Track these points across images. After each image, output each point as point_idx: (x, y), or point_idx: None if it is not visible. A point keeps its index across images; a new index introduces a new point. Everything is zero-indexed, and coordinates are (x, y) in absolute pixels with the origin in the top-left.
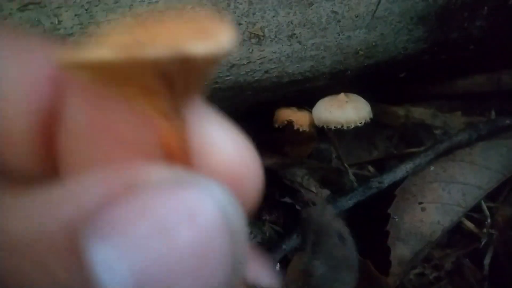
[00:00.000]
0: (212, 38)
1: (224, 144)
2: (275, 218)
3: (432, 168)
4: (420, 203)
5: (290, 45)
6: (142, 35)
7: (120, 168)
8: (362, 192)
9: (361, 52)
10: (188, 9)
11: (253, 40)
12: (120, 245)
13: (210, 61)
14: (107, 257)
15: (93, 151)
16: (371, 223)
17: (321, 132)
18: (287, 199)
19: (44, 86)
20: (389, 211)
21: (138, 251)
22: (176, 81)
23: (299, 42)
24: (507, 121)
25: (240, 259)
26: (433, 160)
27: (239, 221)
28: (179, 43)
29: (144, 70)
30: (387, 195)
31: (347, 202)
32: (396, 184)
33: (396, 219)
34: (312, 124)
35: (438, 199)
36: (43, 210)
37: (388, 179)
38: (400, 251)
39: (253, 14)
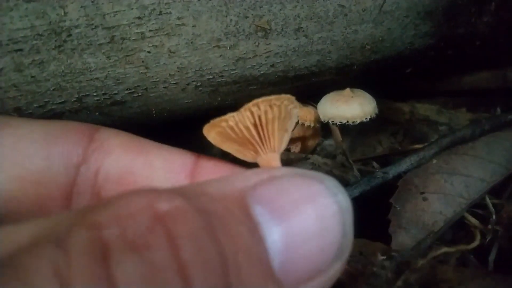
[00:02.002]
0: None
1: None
2: None
3: (434, 161)
4: (422, 193)
5: (296, 38)
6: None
7: (262, 169)
8: (367, 182)
9: (367, 47)
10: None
11: (259, 34)
12: (269, 209)
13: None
14: (264, 214)
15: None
16: (375, 214)
17: (326, 128)
18: None
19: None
20: (391, 200)
21: (279, 216)
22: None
23: (306, 36)
24: (510, 116)
25: (348, 231)
26: (437, 154)
27: (348, 207)
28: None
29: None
30: (392, 188)
31: (353, 191)
32: (400, 176)
33: (398, 208)
34: (317, 120)
35: (441, 190)
36: (225, 185)
37: (392, 170)
38: (402, 239)
39: (260, 7)
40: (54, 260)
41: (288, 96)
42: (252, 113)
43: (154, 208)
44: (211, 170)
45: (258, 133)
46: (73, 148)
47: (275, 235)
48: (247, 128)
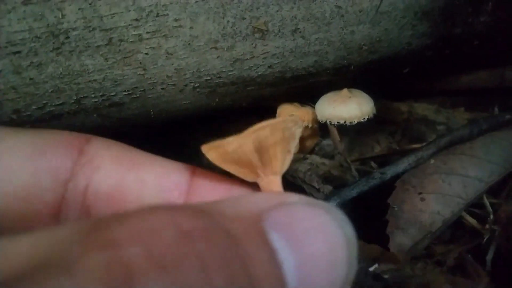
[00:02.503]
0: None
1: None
2: None
3: (432, 161)
4: (420, 193)
5: (293, 40)
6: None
7: (272, 193)
8: (365, 182)
9: (364, 47)
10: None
11: (256, 35)
12: (284, 236)
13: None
14: (279, 241)
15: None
16: (373, 215)
17: (324, 128)
18: None
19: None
20: (388, 201)
21: (294, 244)
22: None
23: (303, 37)
24: (508, 116)
25: (353, 263)
26: (435, 153)
27: (352, 236)
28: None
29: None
30: (390, 188)
31: (351, 192)
32: (398, 177)
33: (396, 209)
34: (315, 120)
35: (438, 190)
36: (239, 206)
37: (390, 170)
38: (400, 240)
39: (257, 8)
40: None
41: (293, 118)
42: (253, 139)
43: (178, 225)
44: (207, 189)
45: (260, 157)
46: (61, 163)
47: (290, 263)
48: (249, 153)
